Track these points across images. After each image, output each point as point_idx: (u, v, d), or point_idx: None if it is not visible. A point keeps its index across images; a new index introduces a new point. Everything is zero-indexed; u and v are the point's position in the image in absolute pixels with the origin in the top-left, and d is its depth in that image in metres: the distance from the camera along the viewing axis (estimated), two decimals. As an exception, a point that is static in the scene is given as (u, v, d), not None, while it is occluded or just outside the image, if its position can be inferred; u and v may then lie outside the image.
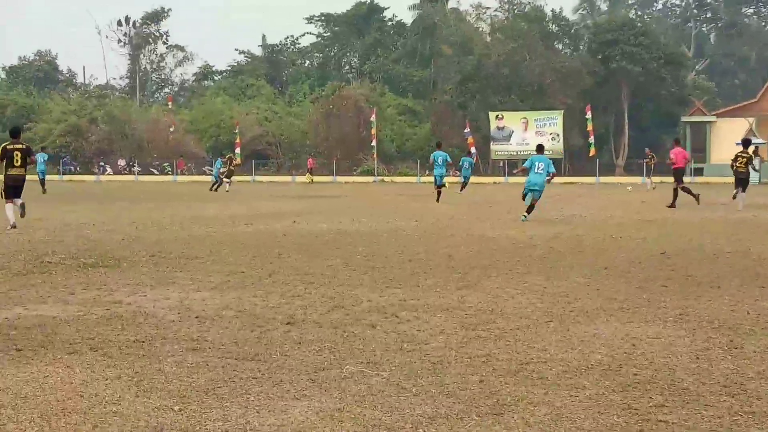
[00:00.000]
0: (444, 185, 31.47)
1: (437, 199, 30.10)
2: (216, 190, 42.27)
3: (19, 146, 18.73)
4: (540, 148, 23.70)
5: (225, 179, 43.11)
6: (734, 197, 27.19)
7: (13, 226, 17.70)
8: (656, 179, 45.23)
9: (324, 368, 6.23)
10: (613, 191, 39.03)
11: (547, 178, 22.21)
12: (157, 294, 9.52)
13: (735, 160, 27.47)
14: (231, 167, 44.23)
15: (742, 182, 27.14)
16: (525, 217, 21.28)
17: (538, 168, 22.22)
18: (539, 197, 22.21)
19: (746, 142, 28.50)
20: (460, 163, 40.53)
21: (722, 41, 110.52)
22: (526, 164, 22.91)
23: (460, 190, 37.16)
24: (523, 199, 22.69)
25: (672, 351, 6.77)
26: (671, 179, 28.77)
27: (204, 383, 5.80)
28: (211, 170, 72.35)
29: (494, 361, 6.42)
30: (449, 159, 32.07)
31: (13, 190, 18.49)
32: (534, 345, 6.99)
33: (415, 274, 11.23)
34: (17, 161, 18.38)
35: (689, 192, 28.01)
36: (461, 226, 19.28)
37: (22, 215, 18.21)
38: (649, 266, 11.96)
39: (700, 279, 10.73)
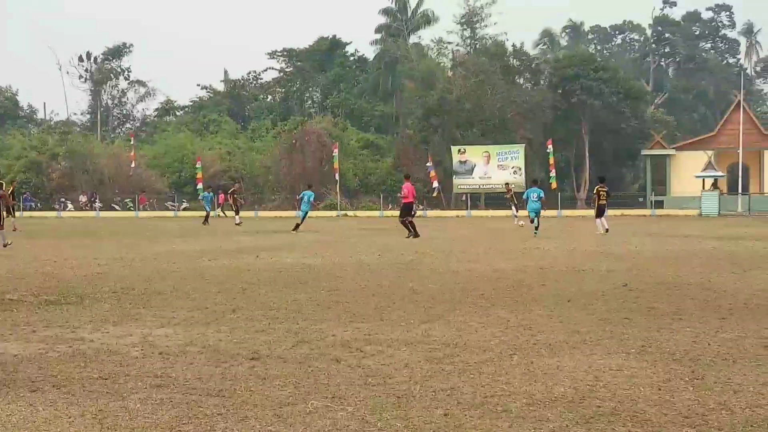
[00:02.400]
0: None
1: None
2: (206, 222, 42.89)
3: None
4: (534, 182, 33.74)
5: (236, 215, 43.84)
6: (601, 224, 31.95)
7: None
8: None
9: (289, 403, 6.22)
10: (574, 224, 39.22)
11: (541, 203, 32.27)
12: (121, 330, 9.47)
13: (597, 193, 33.54)
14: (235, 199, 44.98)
15: (602, 211, 32.85)
16: (536, 233, 30.28)
17: (532, 197, 32.39)
18: (539, 215, 31.72)
19: (602, 179, 35.08)
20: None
21: (681, 75, 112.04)
22: (525, 195, 32.96)
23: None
24: (532, 222, 31.78)
25: (634, 383, 6.83)
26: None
27: (168, 420, 5.78)
28: (174, 205, 72.27)
29: (458, 395, 6.44)
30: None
31: None
32: (498, 378, 7.02)
33: (380, 308, 11.24)
34: None
35: (410, 228, 29.50)
36: (425, 260, 19.32)
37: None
38: (611, 298, 12.05)
39: (661, 311, 10.83)
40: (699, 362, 7.63)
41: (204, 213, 46.55)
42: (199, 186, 74.73)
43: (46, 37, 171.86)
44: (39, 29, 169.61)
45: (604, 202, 32.97)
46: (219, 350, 8.27)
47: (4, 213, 24.54)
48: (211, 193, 49.56)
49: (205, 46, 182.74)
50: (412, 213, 30.45)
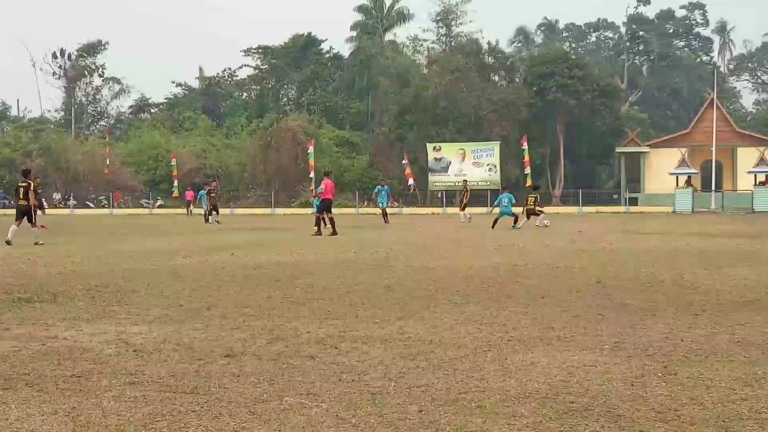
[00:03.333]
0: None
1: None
2: (208, 221, 42.31)
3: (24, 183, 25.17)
4: (505, 188, 37.63)
5: (209, 214, 43.07)
6: (515, 224, 34.49)
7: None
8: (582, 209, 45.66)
9: (263, 400, 6.22)
10: (549, 221, 39.36)
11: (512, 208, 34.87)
12: (94, 328, 9.43)
13: (526, 200, 37.03)
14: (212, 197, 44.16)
15: (529, 215, 36.56)
16: (517, 227, 33.79)
17: (503, 202, 35.35)
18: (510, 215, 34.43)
19: (536, 188, 39.49)
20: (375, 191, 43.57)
21: (655, 73, 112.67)
22: (497, 201, 36.37)
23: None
24: (494, 223, 34.31)
25: (608, 378, 6.86)
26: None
27: (142, 417, 5.76)
28: (149, 203, 71.95)
29: (433, 391, 6.45)
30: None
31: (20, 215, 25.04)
32: (472, 374, 7.04)
33: (354, 305, 11.24)
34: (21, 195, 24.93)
35: (325, 224, 30.14)
36: (400, 257, 19.33)
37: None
38: (585, 295, 12.10)
39: (635, 307, 10.88)
40: (672, 358, 7.67)
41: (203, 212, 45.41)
42: (175, 183, 74.58)
43: (19, 33, 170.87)
44: (11, 25, 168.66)
45: (532, 207, 36.05)
46: (193, 348, 8.25)
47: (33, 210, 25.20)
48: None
49: (180, 43, 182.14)
50: (330, 209, 30.77)
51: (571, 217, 47.36)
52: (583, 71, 77.62)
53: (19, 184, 25.47)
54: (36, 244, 24.14)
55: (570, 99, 75.13)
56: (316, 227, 29.98)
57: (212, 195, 44.51)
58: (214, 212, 43.00)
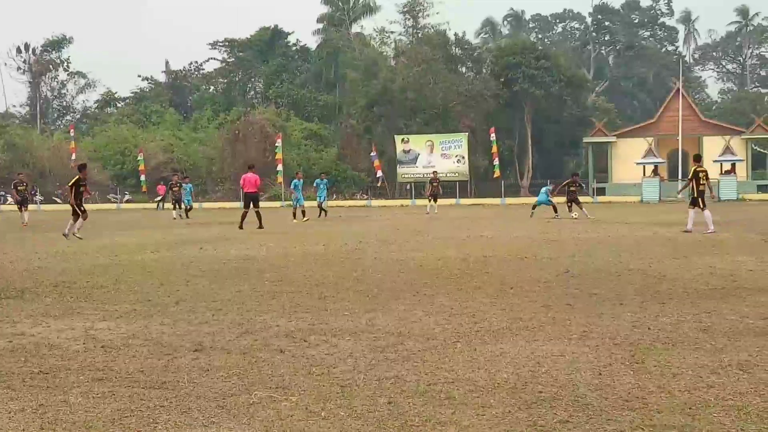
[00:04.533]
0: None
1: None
2: (187, 215, 41.77)
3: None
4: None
5: (171, 206, 42.62)
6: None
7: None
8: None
9: (232, 394, 6.21)
10: (518, 212, 39.52)
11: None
12: (62, 324, 9.38)
13: (567, 187, 35.69)
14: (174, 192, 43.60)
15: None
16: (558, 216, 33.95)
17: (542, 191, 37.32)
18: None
19: (575, 174, 37.97)
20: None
21: (621, 63, 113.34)
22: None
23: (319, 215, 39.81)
24: (532, 212, 36.21)
25: (576, 368, 6.91)
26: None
27: (110, 413, 5.74)
28: (116, 198, 71.47)
29: (402, 383, 6.47)
30: None
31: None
32: (441, 366, 7.06)
33: (324, 298, 11.24)
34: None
35: (243, 218, 30.13)
36: (369, 250, 19.34)
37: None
38: (553, 285, 12.17)
39: (603, 297, 10.95)
40: (639, 347, 7.74)
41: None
42: (143, 178, 74.17)
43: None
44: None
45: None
46: (162, 343, 8.22)
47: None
48: (190, 185, 46.62)
49: (145, 36, 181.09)
50: (256, 203, 30.68)
51: (539, 208, 47.42)
52: (549, 62, 77.77)
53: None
54: (65, 236, 24.32)
55: (537, 90, 75.26)
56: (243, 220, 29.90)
57: (174, 189, 44.02)
58: (177, 206, 42.47)
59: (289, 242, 22.34)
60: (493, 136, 71.94)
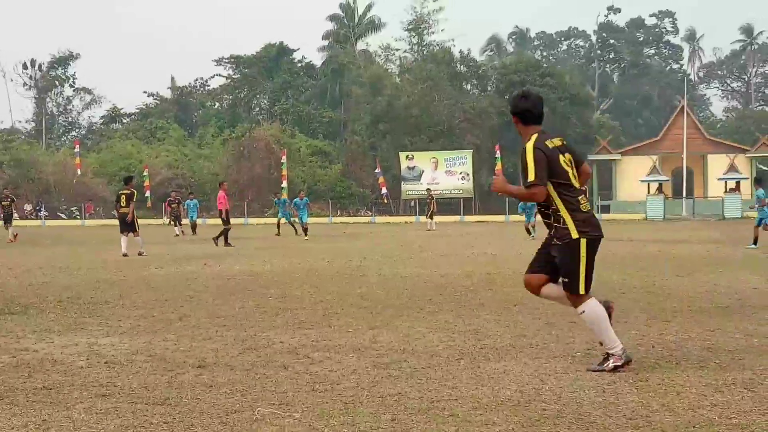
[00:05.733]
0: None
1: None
2: (194, 231, 41.13)
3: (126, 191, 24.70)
4: None
5: (174, 226, 42.02)
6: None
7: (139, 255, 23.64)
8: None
9: (236, 411, 6.20)
10: (522, 229, 39.46)
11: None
12: (66, 340, 9.37)
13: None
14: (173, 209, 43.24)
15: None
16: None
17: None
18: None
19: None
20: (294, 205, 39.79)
21: (625, 81, 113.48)
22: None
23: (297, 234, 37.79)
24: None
25: (579, 385, 6.89)
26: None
27: (114, 429, 5.73)
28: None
29: (406, 400, 6.46)
30: None
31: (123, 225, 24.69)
32: (445, 383, 7.05)
33: (327, 314, 11.24)
34: (123, 202, 24.48)
35: (221, 235, 29.86)
36: (373, 266, 19.34)
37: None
38: (557, 303, 12.12)
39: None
40: (643, 365, 7.71)
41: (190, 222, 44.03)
42: (148, 194, 74.22)
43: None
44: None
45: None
46: (165, 359, 8.21)
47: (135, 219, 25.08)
48: (196, 200, 46.02)
49: (152, 52, 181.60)
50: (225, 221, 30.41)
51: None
52: (554, 79, 78.03)
53: (121, 192, 25.00)
54: (140, 255, 23.97)
55: (542, 107, 75.38)
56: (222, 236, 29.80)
57: (173, 206, 43.84)
58: (176, 223, 42.09)
59: (293, 259, 22.35)
60: (498, 153, 72.02)
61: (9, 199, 37.55)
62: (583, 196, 7.65)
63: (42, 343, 9.18)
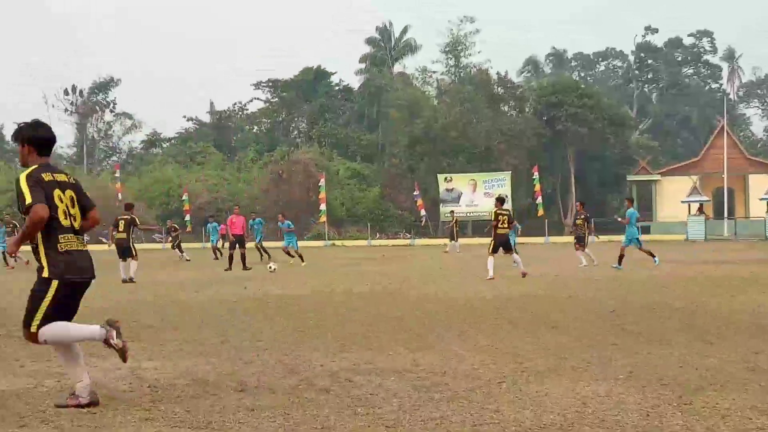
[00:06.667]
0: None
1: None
2: (217, 258, 40.40)
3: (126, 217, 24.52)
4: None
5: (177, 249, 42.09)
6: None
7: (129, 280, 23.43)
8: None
9: (278, 434, 6.22)
10: (561, 251, 39.34)
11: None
12: (109, 364, 9.43)
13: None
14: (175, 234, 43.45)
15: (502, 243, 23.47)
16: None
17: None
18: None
19: (501, 200, 25.06)
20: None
21: (664, 101, 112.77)
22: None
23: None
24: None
25: (622, 408, 6.85)
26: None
27: (158, 453, 5.77)
28: (161, 237, 71.89)
29: (448, 423, 6.45)
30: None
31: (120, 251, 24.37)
32: (487, 406, 7.03)
33: (368, 337, 11.24)
34: (121, 228, 24.31)
35: (231, 259, 29.78)
36: (413, 288, 19.32)
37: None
38: (598, 324, 12.08)
39: (649, 336, 10.85)
40: (686, 387, 7.65)
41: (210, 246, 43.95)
42: (188, 218, 74.60)
43: (30, 70, 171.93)
44: (22, 62, 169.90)
45: (505, 230, 23.80)
46: (208, 382, 8.25)
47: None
48: (216, 223, 46.38)
49: (191, 77, 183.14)
50: (238, 245, 30.28)
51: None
52: (592, 100, 77.78)
53: (120, 217, 24.74)
54: (130, 280, 23.63)
55: (580, 128, 75.26)
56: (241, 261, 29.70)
57: (172, 234, 44.27)
58: (179, 249, 41.67)
59: (332, 281, 22.38)
60: (536, 175, 71.89)
61: (10, 225, 37.98)
62: (74, 235, 7.33)
63: (85, 367, 9.24)
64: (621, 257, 25.85)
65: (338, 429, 6.34)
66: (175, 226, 45.31)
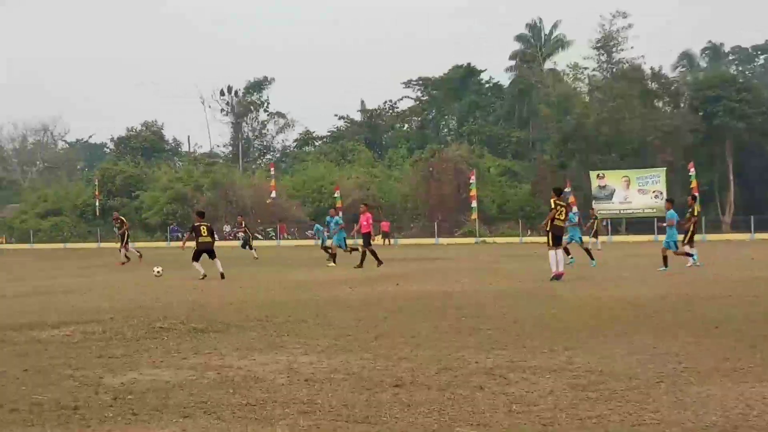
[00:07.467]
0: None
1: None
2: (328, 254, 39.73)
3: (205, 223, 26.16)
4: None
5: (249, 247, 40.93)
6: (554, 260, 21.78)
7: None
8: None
9: (434, 430, 6.25)
10: (718, 249, 38.26)
11: None
12: (266, 358, 9.64)
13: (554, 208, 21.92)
14: (245, 231, 42.66)
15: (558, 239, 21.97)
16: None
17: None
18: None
19: (558, 191, 23.18)
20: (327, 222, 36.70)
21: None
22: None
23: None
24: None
25: (789, 411, 6.63)
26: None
27: (316, 445, 5.86)
28: (314, 234, 72.97)
29: (606, 423, 6.36)
30: None
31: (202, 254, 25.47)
32: (645, 406, 6.90)
33: (521, 335, 11.17)
34: (204, 233, 25.67)
35: (374, 255, 29.41)
36: (565, 287, 19.09)
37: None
38: (762, 324, 11.70)
39: (815, 337, 10.47)
40: None
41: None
42: (340, 215, 75.45)
43: (189, 73, 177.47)
44: (181, 64, 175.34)
45: (562, 223, 22.39)
46: (363, 377, 8.34)
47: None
48: (338, 217, 44.79)
49: (342, 77, 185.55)
50: (366, 243, 30.18)
51: (742, 244, 45.93)
52: (751, 94, 75.39)
53: (201, 224, 25.94)
54: (222, 276, 24.36)
55: (739, 123, 73.05)
56: (375, 258, 29.31)
57: (239, 233, 44.13)
58: (249, 247, 40.87)
59: (484, 278, 22.32)
60: (692, 171, 70.05)
61: (119, 221, 37.51)
62: None
63: (244, 361, 9.48)
64: (665, 258, 24.76)
65: (494, 426, 6.32)
66: (244, 223, 44.65)
